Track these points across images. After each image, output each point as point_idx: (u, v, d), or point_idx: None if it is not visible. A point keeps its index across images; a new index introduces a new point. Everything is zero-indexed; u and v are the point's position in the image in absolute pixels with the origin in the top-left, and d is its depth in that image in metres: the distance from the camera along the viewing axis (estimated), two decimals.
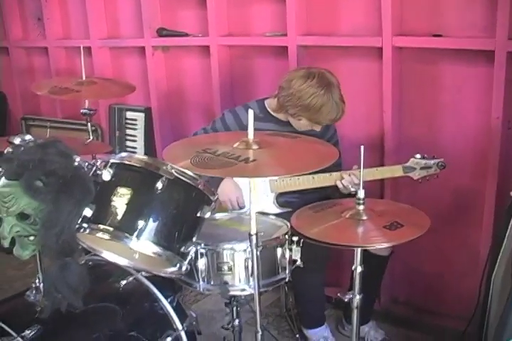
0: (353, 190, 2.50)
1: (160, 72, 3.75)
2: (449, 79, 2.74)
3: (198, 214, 1.98)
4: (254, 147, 1.82)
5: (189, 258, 2.00)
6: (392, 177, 2.65)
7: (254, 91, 3.23)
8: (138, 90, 3.51)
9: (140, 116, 3.89)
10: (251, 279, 2.13)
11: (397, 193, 2.97)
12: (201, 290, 2.23)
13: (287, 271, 2.25)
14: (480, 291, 2.39)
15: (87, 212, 1.90)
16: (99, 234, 1.90)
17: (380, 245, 1.89)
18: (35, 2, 4.29)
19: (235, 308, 2.36)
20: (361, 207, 1.98)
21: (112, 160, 1.96)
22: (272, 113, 2.69)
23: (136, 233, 1.86)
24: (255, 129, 2.57)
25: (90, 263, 2.34)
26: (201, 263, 2.16)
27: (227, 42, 3.36)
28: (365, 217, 1.96)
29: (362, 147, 1.95)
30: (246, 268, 2.14)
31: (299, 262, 2.24)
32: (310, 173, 2.48)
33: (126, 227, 1.87)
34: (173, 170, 1.90)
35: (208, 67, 3.43)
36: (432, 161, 2.54)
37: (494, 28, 2.46)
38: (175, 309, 2.24)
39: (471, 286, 2.47)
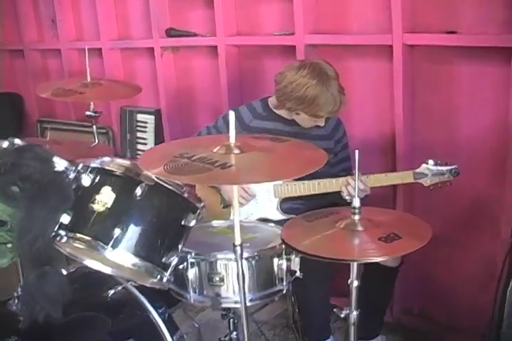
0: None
1: (169, 73, 3.70)
2: (465, 79, 2.60)
3: (182, 223, 1.88)
4: (236, 151, 1.70)
5: (171, 269, 1.89)
6: (403, 184, 2.52)
7: (263, 91, 3.12)
8: (149, 92, 3.49)
9: (150, 119, 3.83)
10: (246, 290, 2.00)
11: (411, 199, 2.84)
12: (192, 301, 2.12)
13: (284, 283, 2.13)
14: (495, 305, 2.24)
15: (65, 218, 1.83)
16: (76, 244, 1.81)
17: (373, 259, 1.73)
18: (49, 4, 4.28)
19: (231, 320, 2.25)
20: (357, 217, 1.83)
21: (92, 165, 1.88)
22: (276, 111, 2.59)
23: (111, 242, 1.77)
24: (259, 128, 2.55)
25: (86, 270, 2.26)
26: (191, 274, 2.05)
27: (234, 41, 3.30)
28: (360, 228, 1.81)
29: (357, 151, 1.82)
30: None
31: (298, 273, 2.12)
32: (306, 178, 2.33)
33: (101, 236, 1.78)
34: (153, 176, 1.80)
35: (217, 67, 3.36)
36: (445, 168, 2.39)
37: None
38: (165, 321, 2.14)
39: (488, 299, 2.33)
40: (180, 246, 1.92)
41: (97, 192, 1.82)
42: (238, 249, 1.79)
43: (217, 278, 2.05)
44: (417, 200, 2.83)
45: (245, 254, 1.95)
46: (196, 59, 3.61)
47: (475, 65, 2.55)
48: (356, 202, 1.84)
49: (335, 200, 2.51)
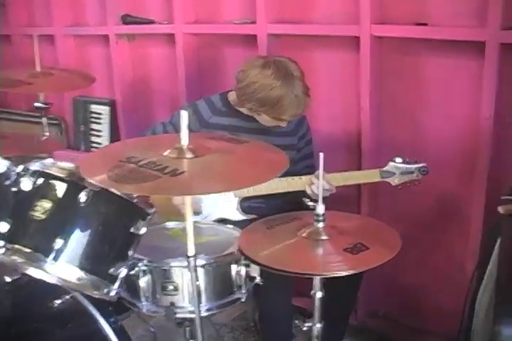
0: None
1: (125, 62, 3.53)
2: (435, 74, 2.49)
3: (132, 231, 1.73)
4: (188, 155, 1.54)
5: (119, 282, 1.74)
6: (369, 183, 2.41)
7: (223, 81, 3.01)
8: (103, 82, 3.32)
9: (105, 110, 3.66)
10: (202, 299, 1.88)
11: (376, 200, 2.74)
12: (145, 311, 1.96)
13: (243, 290, 2.00)
14: (464, 310, 2.12)
15: (3, 226, 1.66)
16: (14, 256, 1.66)
17: (338, 273, 1.59)
18: None
19: (188, 328, 2.11)
20: (321, 225, 1.70)
21: (32, 168, 1.71)
22: (236, 107, 2.44)
23: (52, 254, 1.62)
24: (218, 125, 2.39)
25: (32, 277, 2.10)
26: (143, 282, 1.89)
27: (192, 30, 3.14)
28: (324, 237, 1.68)
29: (321, 154, 1.68)
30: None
31: (258, 279, 1.99)
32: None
33: (42, 248, 1.62)
34: None
35: (175, 56, 3.21)
36: (414, 166, 2.28)
37: (485, 17, 2.21)
38: (116, 331, 1.99)
39: (456, 301, 2.21)
40: (129, 256, 1.77)
41: (38, 197, 1.67)
42: (192, 260, 1.65)
43: (172, 287, 1.90)
44: (383, 200, 2.73)
45: (201, 261, 1.83)
46: (153, 47, 3.45)
47: (446, 58, 2.44)
48: (320, 209, 1.71)
49: (297, 199, 2.39)
